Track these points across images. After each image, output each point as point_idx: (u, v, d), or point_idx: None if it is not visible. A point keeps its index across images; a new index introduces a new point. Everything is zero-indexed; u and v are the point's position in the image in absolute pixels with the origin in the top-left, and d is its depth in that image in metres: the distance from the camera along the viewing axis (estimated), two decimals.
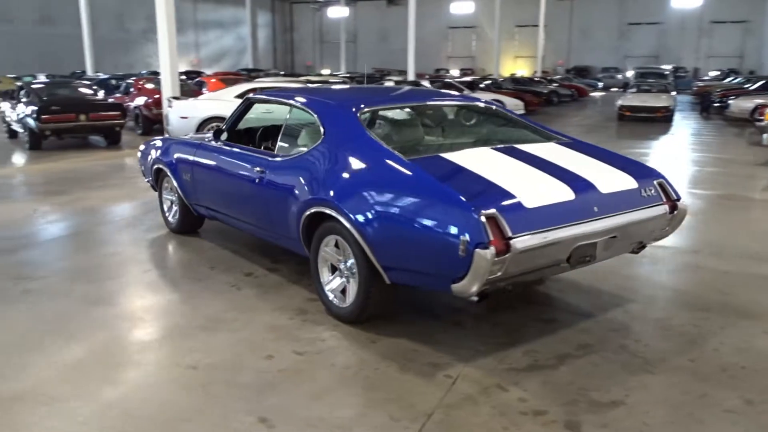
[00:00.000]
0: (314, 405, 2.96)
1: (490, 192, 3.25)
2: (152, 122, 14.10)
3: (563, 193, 3.38)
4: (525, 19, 45.24)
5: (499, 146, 3.97)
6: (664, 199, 3.80)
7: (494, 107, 4.78)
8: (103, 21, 44.38)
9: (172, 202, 5.87)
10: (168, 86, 12.52)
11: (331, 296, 3.91)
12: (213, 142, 5.12)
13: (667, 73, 24.98)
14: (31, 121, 11.63)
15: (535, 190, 3.33)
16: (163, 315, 4.06)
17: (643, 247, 4.00)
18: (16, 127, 12.93)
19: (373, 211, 3.43)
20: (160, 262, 5.23)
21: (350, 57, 54.22)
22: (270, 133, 5.33)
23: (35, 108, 11.55)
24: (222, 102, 11.08)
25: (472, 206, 3.03)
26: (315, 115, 4.17)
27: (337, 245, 3.79)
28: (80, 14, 29.61)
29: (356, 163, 3.72)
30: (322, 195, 3.75)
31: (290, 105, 4.49)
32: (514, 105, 18.47)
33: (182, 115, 11.03)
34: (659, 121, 17.79)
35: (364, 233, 3.44)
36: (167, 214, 5.98)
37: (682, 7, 42.81)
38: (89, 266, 4.99)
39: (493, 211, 3.04)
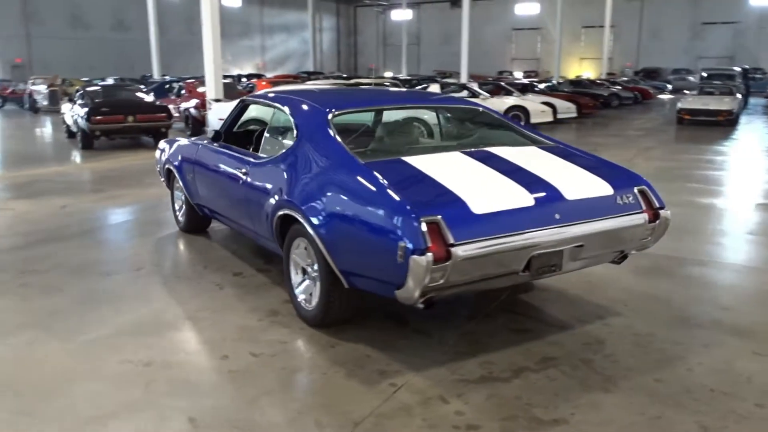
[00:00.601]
0: (249, 408, 2.95)
1: (438, 198, 3.16)
2: (201, 123, 14.53)
3: (522, 199, 3.24)
4: (592, 19, 43.96)
5: (470, 150, 3.86)
6: (644, 208, 3.60)
7: (480, 109, 4.65)
8: (173, 25, 46.18)
9: (182, 202, 6.01)
10: (211, 89, 12.87)
11: (300, 299, 3.89)
12: (211, 144, 5.20)
13: (734, 74, 23.70)
14: (82, 122, 12.19)
15: (490, 196, 3.21)
16: (136, 311, 4.13)
17: (625, 257, 3.79)
18: (73, 127, 13.58)
19: (327, 214, 3.40)
20: (157, 260, 5.35)
21: (413, 59, 54.25)
22: (261, 135, 5.38)
23: (86, 109, 12.10)
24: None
25: (413, 212, 2.95)
26: (291, 118, 4.18)
27: (306, 248, 3.77)
28: (150, 19, 30.71)
29: (317, 166, 3.70)
30: (288, 197, 3.75)
31: (273, 107, 4.51)
32: (566, 108, 18.01)
33: (221, 116, 11.28)
34: (721, 125, 16.91)
35: (321, 236, 3.41)
36: (177, 213, 6.13)
37: (762, 5, 40.62)
38: (89, 262, 5.16)
39: (435, 217, 2.95)
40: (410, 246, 2.87)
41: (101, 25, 42.63)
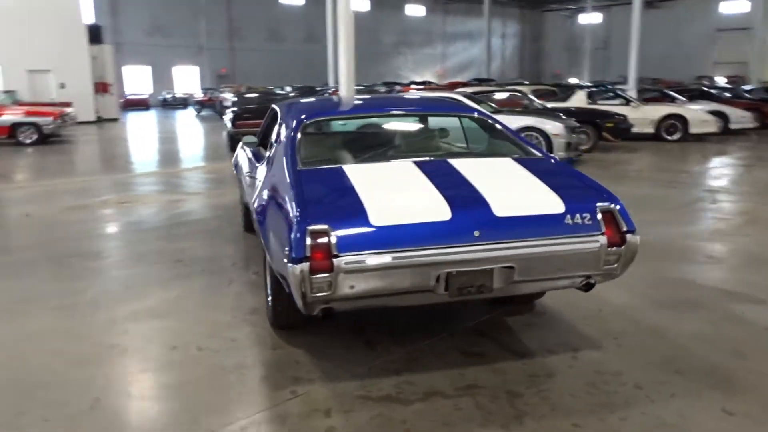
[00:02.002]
0: (142, 402, 3.09)
1: (340, 208, 3.07)
2: None
3: (437, 213, 3.03)
4: None
5: (424, 160, 3.68)
6: (604, 230, 3.17)
7: (475, 115, 4.36)
8: (360, 36, 48.69)
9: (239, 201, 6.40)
10: (343, 94, 13.41)
11: (268, 300, 3.99)
12: (249, 148, 5.50)
13: None
14: (229, 126, 13.41)
15: (401, 208, 3.04)
16: (134, 301, 4.49)
17: (591, 285, 3.36)
18: None
19: (262, 216, 3.48)
20: (198, 255, 5.73)
21: (601, 64, 51.57)
22: None
23: (232, 115, 13.29)
24: None
25: (303, 221, 2.90)
26: (280, 122, 4.30)
27: None
28: (328, 31, 32.63)
29: (273, 169, 3.78)
30: (253, 198, 3.88)
31: (276, 113, 4.66)
32: (740, 117, 15.98)
33: None
34: None
35: (259, 237, 3.50)
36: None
37: None
38: (143, 252, 5.73)
39: (323, 227, 2.88)
40: (292, 254, 2.84)
41: (294, 38, 46.24)
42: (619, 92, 15.76)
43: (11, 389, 3.18)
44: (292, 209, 3.04)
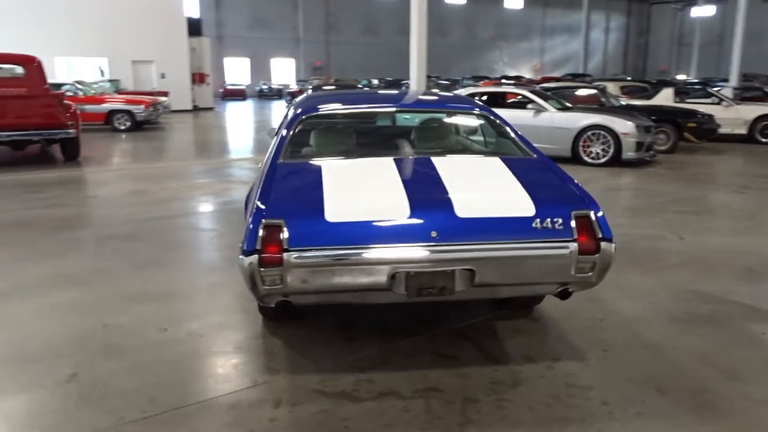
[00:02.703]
0: (112, 377, 3.26)
1: (300, 203, 3.09)
2: None
3: (395, 212, 2.98)
4: None
5: (404, 157, 3.65)
6: (576, 236, 3.01)
7: (476, 111, 4.22)
8: (454, 29, 48.31)
9: None
10: (414, 88, 13.38)
11: None
12: None
13: None
14: None
15: (360, 205, 3.03)
16: (140, 282, 4.73)
17: (567, 293, 3.21)
18: None
19: (245, 208, 3.57)
20: (224, 243, 5.93)
21: (714, 60, 48.49)
22: None
23: None
24: None
25: (260, 214, 2.95)
26: (284, 116, 4.37)
27: None
28: (413, 24, 32.63)
29: (264, 162, 3.85)
30: None
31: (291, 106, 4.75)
32: None
33: None
34: None
35: None
36: None
37: None
38: (176, 239, 6.00)
39: (278, 221, 2.91)
40: (244, 247, 2.90)
41: (389, 31, 46.52)
42: (711, 90, 14.75)
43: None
44: (255, 202, 3.10)
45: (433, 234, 2.94)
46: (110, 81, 21.99)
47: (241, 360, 3.44)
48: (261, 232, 2.89)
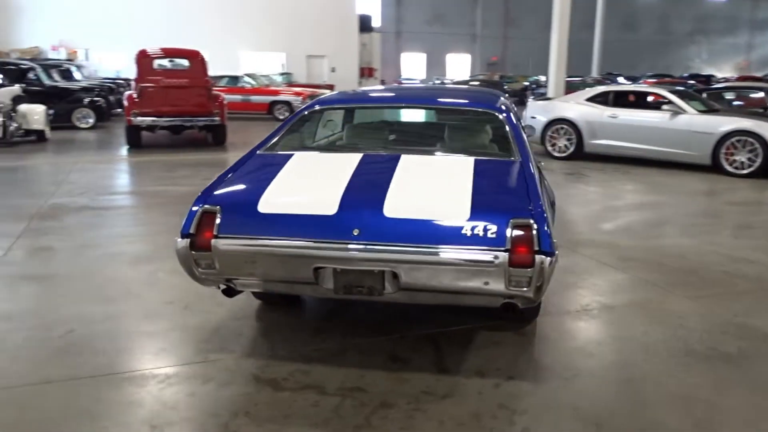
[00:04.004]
0: (90, 339, 3.63)
1: (244, 192, 3.17)
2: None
3: (324, 207, 2.97)
4: None
5: (374, 153, 3.62)
6: (510, 246, 2.77)
7: (479, 110, 3.97)
8: (644, 24, 45.02)
9: None
10: (552, 86, 12.79)
11: None
12: None
13: None
14: None
15: (294, 198, 3.06)
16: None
17: (512, 307, 2.96)
18: None
19: None
20: None
21: None
22: None
23: None
24: (570, 104, 10.86)
25: (201, 200, 3.11)
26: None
27: None
28: (597, 19, 30.91)
29: None
30: None
31: None
32: None
33: (533, 114, 11.28)
34: None
35: None
36: None
37: None
38: None
39: (213, 207, 3.04)
40: (181, 230, 3.07)
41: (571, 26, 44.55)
42: None
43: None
44: (206, 188, 3.27)
45: (355, 232, 2.89)
46: (283, 74, 23.72)
47: (211, 337, 3.63)
48: (197, 217, 3.04)
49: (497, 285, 2.82)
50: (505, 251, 2.76)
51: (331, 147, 3.86)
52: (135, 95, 11.92)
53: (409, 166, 3.35)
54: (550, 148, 11.00)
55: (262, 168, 3.48)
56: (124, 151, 11.93)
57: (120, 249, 5.34)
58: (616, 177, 9.39)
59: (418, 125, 4.47)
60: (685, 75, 32.74)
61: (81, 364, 3.28)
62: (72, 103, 15.45)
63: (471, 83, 16.78)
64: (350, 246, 2.87)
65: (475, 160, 3.44)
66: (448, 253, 2.80)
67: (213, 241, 2.98)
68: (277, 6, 25.41)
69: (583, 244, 5.58)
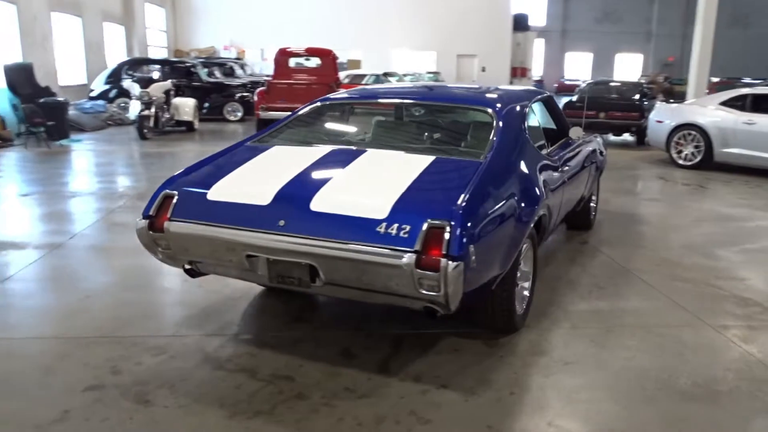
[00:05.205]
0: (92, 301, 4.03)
1: (202, 180, 3.32)
2: None
3: (260, 197, 3.06)
4: None
5: (342, 148, 3.65)
6: (420, 248, 2.66)
7: (469, 108, 3.78)
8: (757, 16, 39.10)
9: None
10: (692, 88, 11.66)
11: None
12: None
13: None
14: None
15: (240, 188, 3.18)
16: None
17: (432, 311, 2.83)
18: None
19: None
20: None
21: None
22: None
23: (563, 103, 13.01)
24: (700, 109, 9.85)
25: (165, 185, 3.34)
26: None
27: None
28: (698, 12, 27.47)
29: None
30: None
31: None
32: None
33: (658, 118, 10.37)
34: None
35: None
36: None
37: None
38: None
39: (171, 192, 3.26)
40: (143, 211, 3.32)
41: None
42: None
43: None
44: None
45: (281, 223, 2.94)
46: (430, 73, 23.96)
47: (194, 313, 3.88)
48: (158, 200, 3.28)
49: (407, 287, 2.73)
50: (413, 252, 2.67)
51: (308, 141, 3.92)
52: (265, 91, 12.77)
53: (365, 162, 3.33)
54: (675, 156, 10.06)
55: (235, 158, 3.64)
56: None
57: None
58: (741, 192, 8.31)
59: (407, 122, 4.38)
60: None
61: (82, 326, 3.67)
62: (225, 98, 16.88)
63: (612, 83, 15.49)
64: (274, 236, 2.94)
65: (434, 159, 3.33)
66: (359, 249, 2.76)
67: (166, 223, 3.20)
68: (430, 5, 25.70)
69: (645, 271, 5.09)
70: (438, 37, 25.94)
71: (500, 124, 3.64)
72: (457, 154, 3.53)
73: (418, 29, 25.81)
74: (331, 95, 4.39)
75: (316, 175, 3.24)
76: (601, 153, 5.87)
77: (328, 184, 3.08)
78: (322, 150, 3.59)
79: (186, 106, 14.01)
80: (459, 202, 2.82)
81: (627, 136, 13.28)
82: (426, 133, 4.10)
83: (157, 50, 24.78)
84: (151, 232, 3.25)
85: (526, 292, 3.73)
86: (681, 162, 9.98)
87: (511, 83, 27.51)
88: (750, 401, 2.95)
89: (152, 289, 4.30)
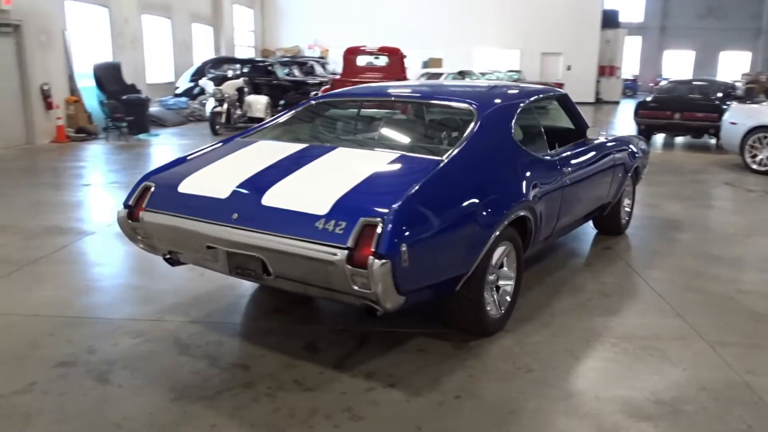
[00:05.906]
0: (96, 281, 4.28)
1: (178, 173, 3.45)
2: None
3: (220, 191, 3.16)
4: None
5: (316, 145, 3.71)
6: (353, 244, 2.67)
7: (453, 106, 3.69)
8: None
9: None
10: None
11: None
12: None
13: None
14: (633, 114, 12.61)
15: (207, 182, 3.29)
16: None
17: (371, 310, 2.83)
18: None
19: None
20: None
21: None
22: None
23: (637, 104, 12.43)
24: None
25: (145, 177, 3.51)
26: None
27: None
28: None
29: None
30: None
31: None
32: None
33: (733, 120, 9.70)
34: None
35: None
36: None
37: None
38: None
39: (148, 184, 3.42)
40: (124, 202, 3.50)
41: None
42: None
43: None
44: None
45: (234, 216, 3.03)
46: (511, 72, 23.50)
47: (185, 300, 4.05)
48: (138, 191, 3.46)
49: (343, 284, 2.75)
50: (346, 249, 2.68)
51: (293, 137, 3.98)
52: (329, 88, 13.00)
53: (329, 159, 3.36)
54: (749, 160, 9.39)
55: (218, 152, 3.76)
56: None
57: None
58: None
59: (390, 120, 4.34)
60: None
61: (81, 307, 3.94)
62: (301, 95, 17.32)
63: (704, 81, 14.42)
64: (228, 229, 3.03)
65: (396, 157, 3.32)
66: (298, 245, 2.80)
67: (141, 213, 3.37)
68: (515, 2, 25.20)
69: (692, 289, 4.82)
70: (522, 35, 25.38)
71: (479, 122, 3.56)
72: (422, 152, 3.49)
73: (501, 27, 25.36)
74: (326, 93, 4.46)
75: (278, 171, 3.30)
76: (634, 155, 5.57)
77: (283, 180, 3.14)
78: (297, 147, 3.64)
79: (258, 103, 14.48)
80: (397, 200, 2.79)
81: (707, 139, 12.52)
82: (406, 131, 4.07)
83: (245, 50, 25.73)
84: (130, 221, 3.42)
85: (508, 297, 3.63)
86: (755, 167, 9.30)
87: (597, 82, 26.51)
88: (712, 425, 2.75)
89: (160, 276, 4.52)
